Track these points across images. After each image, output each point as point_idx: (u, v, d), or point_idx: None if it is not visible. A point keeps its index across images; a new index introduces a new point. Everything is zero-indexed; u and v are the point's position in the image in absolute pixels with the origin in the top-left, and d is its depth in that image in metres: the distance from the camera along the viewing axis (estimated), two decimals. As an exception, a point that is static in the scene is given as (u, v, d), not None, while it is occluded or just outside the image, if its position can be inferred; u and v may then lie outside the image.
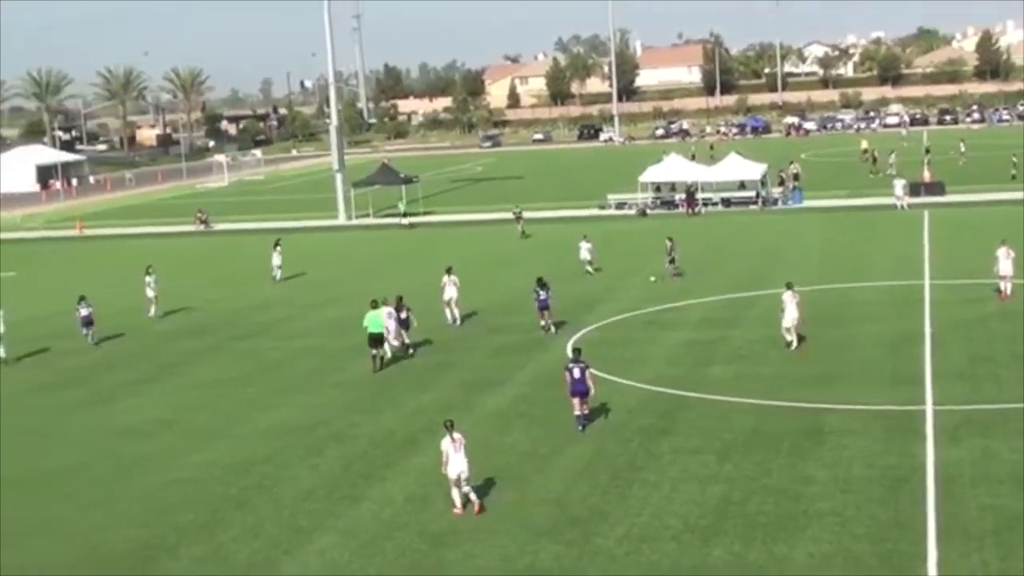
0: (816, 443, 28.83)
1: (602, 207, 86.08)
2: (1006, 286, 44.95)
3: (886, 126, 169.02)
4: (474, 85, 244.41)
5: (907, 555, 21.99)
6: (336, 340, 43.84)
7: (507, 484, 27.12)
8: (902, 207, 75.82)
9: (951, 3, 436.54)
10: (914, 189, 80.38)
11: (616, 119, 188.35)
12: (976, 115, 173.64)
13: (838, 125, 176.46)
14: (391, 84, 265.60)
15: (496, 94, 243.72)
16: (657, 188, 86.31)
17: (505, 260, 63.63)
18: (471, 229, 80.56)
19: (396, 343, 41.04)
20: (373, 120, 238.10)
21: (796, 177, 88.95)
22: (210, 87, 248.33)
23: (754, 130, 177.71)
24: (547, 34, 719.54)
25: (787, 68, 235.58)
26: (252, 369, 41.25)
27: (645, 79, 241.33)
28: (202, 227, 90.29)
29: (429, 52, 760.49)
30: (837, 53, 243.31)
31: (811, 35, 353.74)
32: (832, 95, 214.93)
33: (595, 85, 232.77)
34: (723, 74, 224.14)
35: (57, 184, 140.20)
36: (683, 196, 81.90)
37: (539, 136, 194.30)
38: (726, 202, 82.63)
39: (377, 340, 39.81)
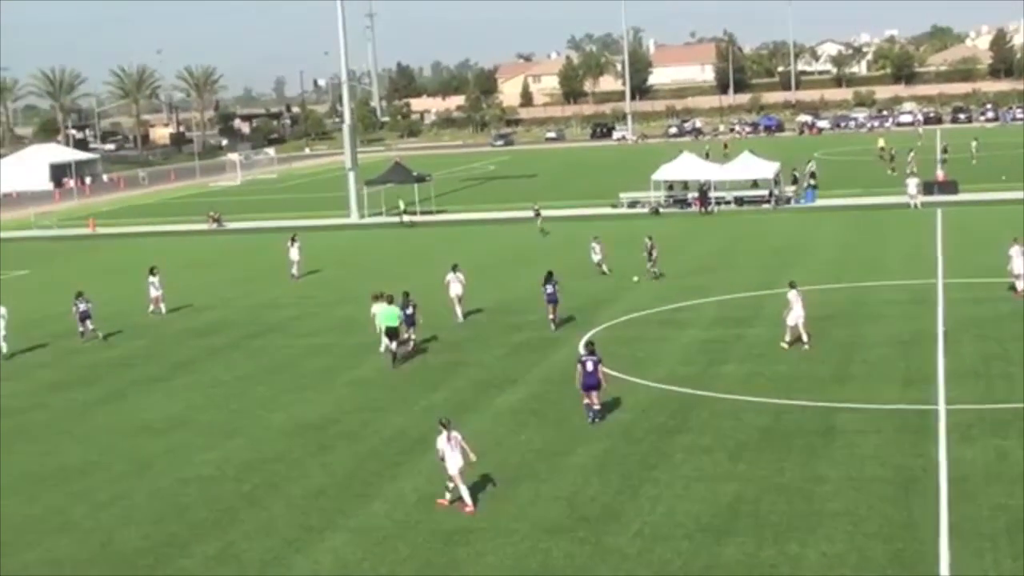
0: (829, 442, 28.80)
1: (615, 206, 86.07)
2: (1021, 285, 44.83)
3: (899, 125, 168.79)
4: (487, 84, 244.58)
5: (919, 555, 21.96)
6: (348, 338, 43.88)
7: (519, 482, 27.13)
8: (915, 206, 75.66)
9: (965, 1, 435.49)
10: (927, 188, 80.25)
11: (629, 118, 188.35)
12: (990, 113, 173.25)
13: (851, 124, 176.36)
14: (404, 83, 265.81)
15: (509, 92, 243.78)
16: (670, 187, 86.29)
17: (518, 258, 63.59)
18: (484, 228, 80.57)
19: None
20: (386, 119, 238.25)
21: (813, 175, 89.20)
22: (223, 86, 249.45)
23: (767, 129, 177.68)
24: (560, 32, 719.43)
25: (800, 67, 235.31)
26: (264, 367, 41.31)
27: (658, 78, 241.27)
28: (215, 226, 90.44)
29: (442, 51, 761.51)
30: (850, 51, 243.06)
31: (824, 33, 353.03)
32: (845, 94, 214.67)
33: (608, 83, 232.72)
34: (736, 73, 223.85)
35: (71, 183, 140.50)
36: (696, 195, 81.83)
37: (552, 135, 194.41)
38: (739, 201, 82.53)
39: (391, 334, 40.11)
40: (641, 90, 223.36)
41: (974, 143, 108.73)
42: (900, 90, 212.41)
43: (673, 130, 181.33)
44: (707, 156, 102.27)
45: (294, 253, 61.50)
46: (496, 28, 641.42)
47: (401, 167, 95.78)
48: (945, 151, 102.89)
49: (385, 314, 40.19)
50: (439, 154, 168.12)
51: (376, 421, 33.15)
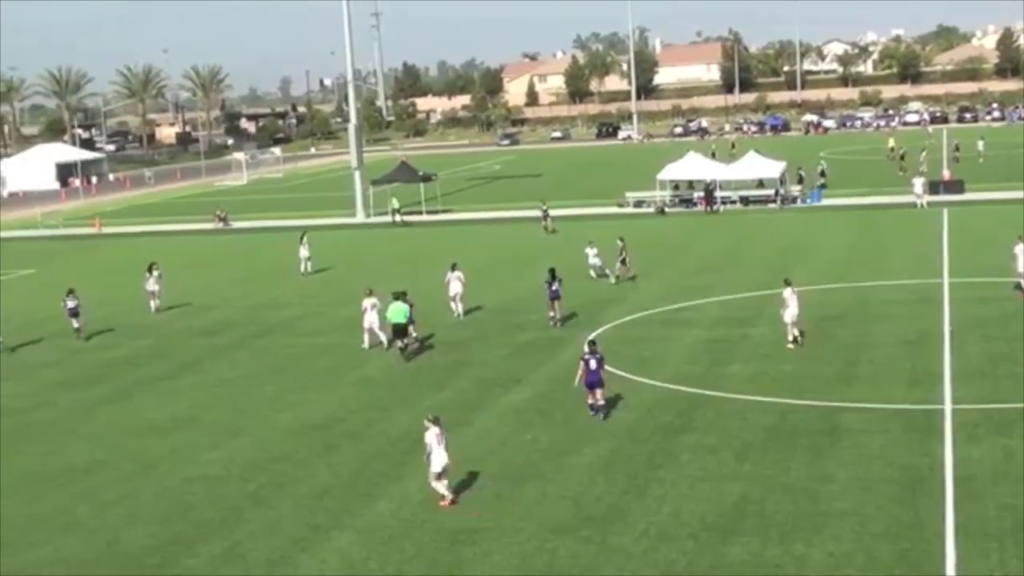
0: (834, 442, 28.79)
1: (620, 205, 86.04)
2: (1026, 284, 44.77)
3: (905, 124, 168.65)
4: (492, 83, 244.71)
5: (926, 554, 21.94)
6: (353, 338, 43.88)
7: (525, 482, 27.15)
8: (921, 205, 75.60)
9: (971, 1, 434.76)
10: (933, 187, 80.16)
11: (635, 117, 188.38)
12: (996, 113, 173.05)
13: (857, 123, 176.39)
14: (410, 82, 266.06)
15: (515, 92, 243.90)
16: (675, 186, 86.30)
17: (523, 258, 63.54)
18: (490, 227, 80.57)
19: (383, 336, 42.21)
20: (392, 118, 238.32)
21: (823, 174, 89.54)
22: (229, 85, 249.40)
23: (773, 128, 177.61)
24: (566, 32, 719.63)
25: (806, 66, 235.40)
26: (269, 367, 41.34)
27: (664, 77, 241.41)
28: (221, 225, 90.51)
29: (448, 50, 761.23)
30: (856, 51, 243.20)
31: (830, 33, 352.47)
32: (851, 93, 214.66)
33: (614, 83, 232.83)
34: (742, 72, 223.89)
35: (77, 182, 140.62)
36: (701, 194, 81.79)
37: (557, 134, 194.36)
38: (744, 200, 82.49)
39: (400, 331, 40.42)
40: (647, 89, 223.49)
41: (981, 142, 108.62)
42: (906, 90, 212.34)
43: (679, 130, 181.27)
44: (714, 156, 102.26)
45: (304, 251, 62.14)
46: (502, 28, 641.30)
47: (407, 166, 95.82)
48: (957, 149, 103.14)
49: (394, 311, 40.61)
50: (445, 153, 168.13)
51: (382, 421, 33.16)
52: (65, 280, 57.14)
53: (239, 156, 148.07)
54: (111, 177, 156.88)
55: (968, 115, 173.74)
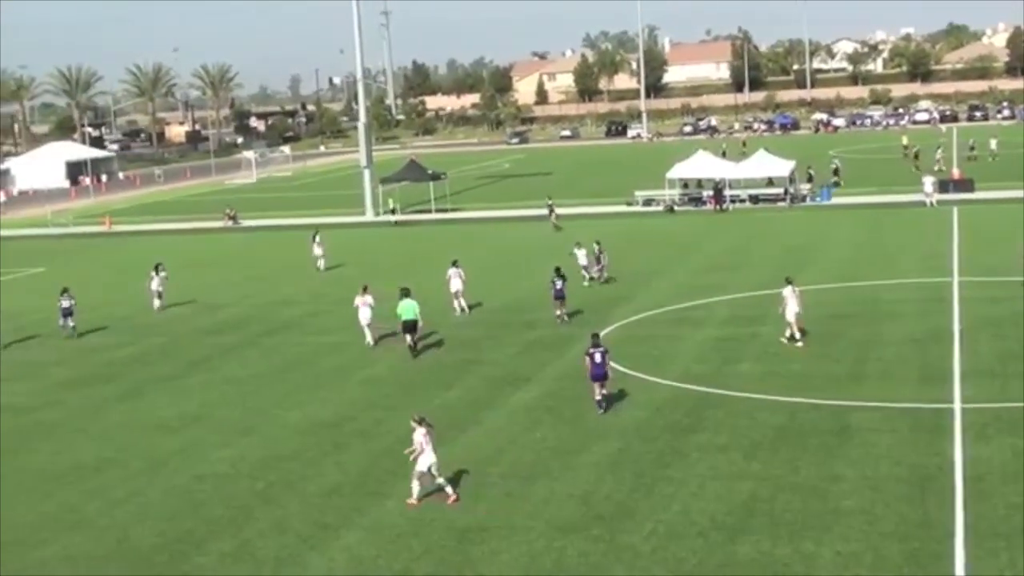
0: (844, 441, 28.75)
1: (630, 204, 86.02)
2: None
3: (915, 123, 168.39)
4: (502, 81, 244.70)
5: (935, 554, 21.91)
6: (362, 336, 43.90)
7: (534, 480, 27.15)
8: (931, 204, 75.48)
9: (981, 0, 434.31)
10: (943, 186, 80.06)
11: (644, 116, 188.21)
12: (1007, 111, 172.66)
13: (867, 122, 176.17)
14: (419, 81, 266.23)
15: (524, 90, 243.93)
16: (685, 185, 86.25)
17: (532, 256, 63.50)
18: (499, 225, 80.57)
19: (371, 336, 43.01)
20: (401, 117, 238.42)
21: (836, 172, 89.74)
22: (239, 84, 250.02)
23: (783, 127, 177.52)
24: (575, 30, 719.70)
25: (816, 64, 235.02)
26: (279, 365, 41.38)
27: (673, 75, 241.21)
28: (231, 223, 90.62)
29: (457, 49, 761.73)
30: (866, 49, 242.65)
31: (840, 31, 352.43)
32: (861, 91, 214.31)
33: (623, 81, 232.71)
34: (752, 71, 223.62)
35: (87, 180, 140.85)
36: (710, 193, 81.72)
37: (567, 133, 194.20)
38: (754, 199, 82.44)
39: (410, 327, 40.75)
40: (656, 88, 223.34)
41: (994, 141, 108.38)
42: (916, 88, 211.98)
43: (688, 128, 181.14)
44: (724, 155, 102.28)
45: (318, 249, 62.89)
46: (511, 26, 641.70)
47: (416, 165, 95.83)
48: (972, 148, 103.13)
49: (404, 307, 40.89)
50: (454, 152, 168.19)
51: (390, 419, 33.16)
52: (75, 278, 57.36)
53: (248, 155, 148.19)
54: (121, 175, 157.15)
55: (978, 114, 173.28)
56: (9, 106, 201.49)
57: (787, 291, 39.22)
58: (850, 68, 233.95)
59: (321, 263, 62.97)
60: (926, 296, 46.39)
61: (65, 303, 48.24)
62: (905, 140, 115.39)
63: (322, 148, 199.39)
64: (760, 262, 57.17)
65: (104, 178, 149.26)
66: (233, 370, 41.06)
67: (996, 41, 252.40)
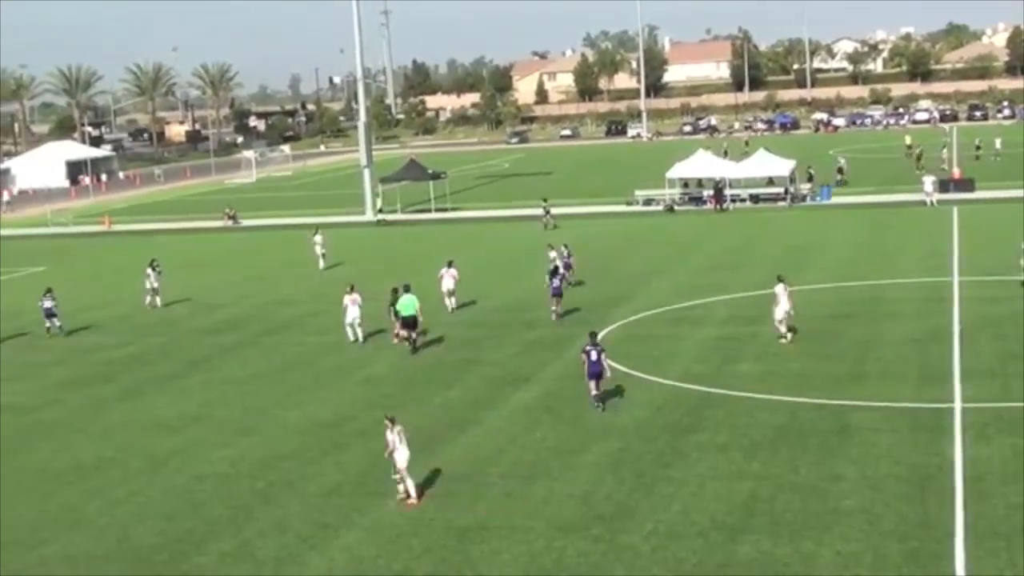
0: (844, 440, 28.76)
1: (630, 203, 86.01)
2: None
3: (915, 122, 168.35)
4: (502, 81, 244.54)
5: (934, 553, 21.92)
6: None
7: (534, 480, 27.16)
8: (931, 203, 75.48)
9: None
10: (943, 186, 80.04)
11: (644, 115, 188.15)
12: (1007, 111, 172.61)
13: (867, 121, 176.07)
14: (419, 80, 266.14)
15: (524, 90, 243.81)
16: (685, 184, 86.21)
17: (531, 256, 63.19)
18: (498, 225, 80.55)
19: (356, 332, 43.46)
20: (401, 116, 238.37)
21: (840, 171, 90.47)
22: (239, 83, 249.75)
23: (783, 126, 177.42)
24: (575, 30, 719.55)
25: (816, 64, 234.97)
26: (279, 365, 41.38)
27: (673, 75, 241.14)
28: (230, 223, 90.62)
29: (457, 48, 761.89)
30: (866, 49, 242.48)
31: (840, 31, 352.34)
32: (861, 91, 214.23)
33: (623, 81, 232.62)
34: (752, 70, 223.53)
35: (87, 180, 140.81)
36: (711, 192, 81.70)
37: (567, 132, 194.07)
38: (754, 198, 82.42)
39: (410, 323, 41.13)
40: (656, 88, 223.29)
41: (998, 140, 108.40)
42: (916, 88, 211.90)
43: (688, 128, 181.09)
44: (726, 154, 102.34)
45: (318, 247, 63.27)
46: (511, 25, 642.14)
47: (416, 164, 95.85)
48: (979, 147, 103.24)
49: (404, 304, 41.29)
50: (454, 151, 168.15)
51: (391, 418, 33.12)
52: (74, 278, 57.44)
53: (248, 154, 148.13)
54: (121, 175, 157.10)
55: (978, 113, 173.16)
56: (9, 105, 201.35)
57: (779, 289, 39.40)
58: (850, 68, 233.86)
59: (321, 262, 63.14)
60: (926, 296, 46.39)
61: (47, 303, 48.44)
62: (908, 140, 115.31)
63: (322, 148, 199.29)
64: (760, 262, 57.13)
65: (104, 178, 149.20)
66: (233, 370, 41.06)
67: (996, 41, 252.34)
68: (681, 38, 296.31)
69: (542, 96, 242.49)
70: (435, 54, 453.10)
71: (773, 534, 23.16)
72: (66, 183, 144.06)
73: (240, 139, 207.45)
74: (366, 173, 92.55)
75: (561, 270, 50.95)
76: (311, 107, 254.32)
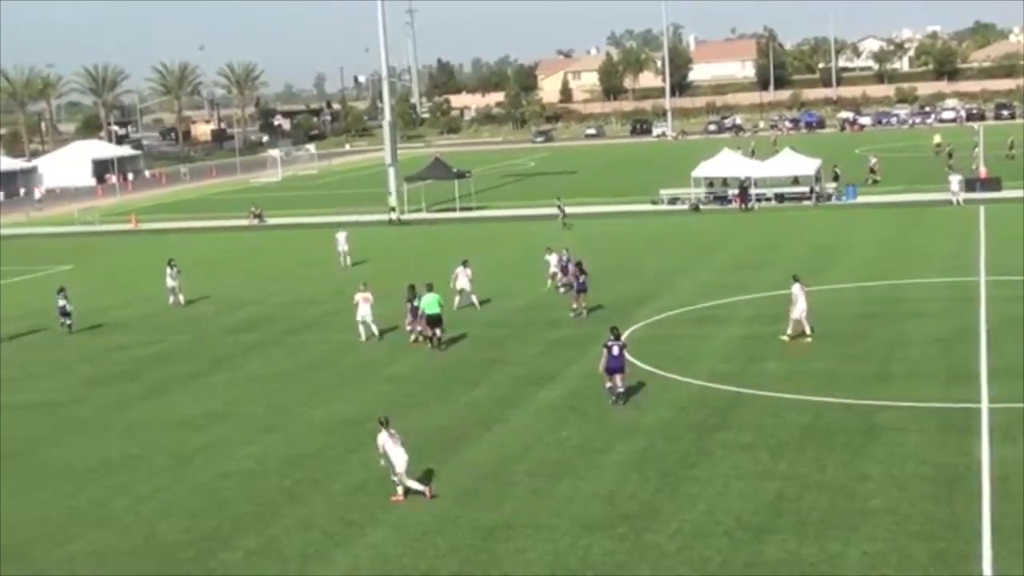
0: (870, 440, 28.64)
1: (655, 202, 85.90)
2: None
3: (942, 121, 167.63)
4: (526, 80, 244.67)
5: (961, 554, 21.80)
6: (386, 334, 43.95)
7: (559, 479, 27.12)
8: (957, 203, 75.15)
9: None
10: (969, 185, 79.66)
11: (669, 114, 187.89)
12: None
13: (893, 120, 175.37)
14: (444, 79, 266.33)
15: (548, 89, 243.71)
16: (710, 183, 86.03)
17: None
18: (523, 224, 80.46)
19: (374, 329, 43.81)
20: (426, 115, 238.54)
21: (872, 170, 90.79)
22: (264, 82, 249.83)
23: (808, 125, 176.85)
24: (600, 29, 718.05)
25: (842, 63, 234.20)
26: (303, 363, 41.46)
27: (698, 74, 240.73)
28: (256, 221, 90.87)
29: (482, 47, 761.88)
30: (892, 48, 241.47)
31: (866, 30, 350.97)
32: (887, 90, 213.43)
33: (648, 80, 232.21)
34: (777, 69, 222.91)
35: (113, 179, 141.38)
36: (736, 191, 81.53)
37: (591, 131, 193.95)
38: (779, 197, 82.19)
39: (434, 321, 41.39)
40: (681, 86, 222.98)
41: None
42: (942, 86, 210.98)
43: (713, 127, 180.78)
44: (753, 153, 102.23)
45: (343, 245, 63.95)
46: (536, 24, 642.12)
47: (441, 163, 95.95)
48: (1012, 147, 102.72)
49: (428, 302, 41.54)
50: (479, 150, 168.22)
51: (416, 417, 33.15)
52: (101, 276, 57.66)
53: (274, 153, 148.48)
54: (147, 174, 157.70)
55: (1005, 112, 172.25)
56: (36, 105, 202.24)
57: (796, 289, 39.34)
58: (876, 66, 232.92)
59: (347, 260, 63.64)
60: (952, 295, 46.18)
61: (61, 303, 48.85)
62: (938, 139, 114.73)
63: (347, 146, 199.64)
64: (785, 261, 56.87)
65: (130, 176, 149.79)
66: (257, 368, 41.16)
67: (1023, 39, 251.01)
68: (706, 37, 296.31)
69: (567, 95, 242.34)
70: (460, 53, 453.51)
71: (799, 534, 23.08)
72: (92, 182, 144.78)
73: (265, 138, 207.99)
74: (391, 172, 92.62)
75: (558, 273, 51.06)
76: (336, 106, 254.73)
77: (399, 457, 26.09)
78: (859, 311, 43.79)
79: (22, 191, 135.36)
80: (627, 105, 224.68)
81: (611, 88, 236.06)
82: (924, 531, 22.86)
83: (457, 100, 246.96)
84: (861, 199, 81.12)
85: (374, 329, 43.75)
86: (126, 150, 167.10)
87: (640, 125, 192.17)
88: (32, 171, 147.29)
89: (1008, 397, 31.43)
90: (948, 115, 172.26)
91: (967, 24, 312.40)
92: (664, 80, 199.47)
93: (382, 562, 23.13)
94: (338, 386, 37.72)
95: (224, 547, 24.30)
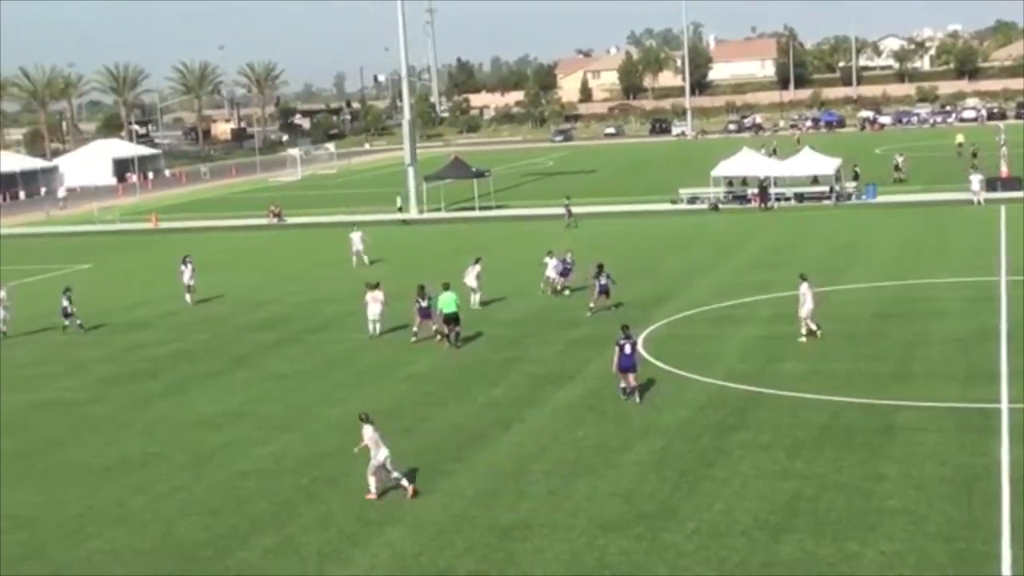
0: (888, 440, 28.55)
1: (674, 202, 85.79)
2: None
3: (963, 120, 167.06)
4: (546, 79, 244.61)
5: (980, 554, 21.72)
6: (405, 333, 44.00)
7: (576, 478, 27.10)
8: (978, 202, 74.88)
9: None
10: (990, 184, 79.37)
11: (688, 113, 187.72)
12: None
13: (914, 119, 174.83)
14: (463, 78, 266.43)
15: (568, 88, 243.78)
16: (729, 183, 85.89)
17: (575, 254, 63.32)
18: (542, 223, 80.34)
19: (378, 328, 44.30)
20: (445, 114, 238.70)
21: (897, 168, 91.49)
22: (284, 81, 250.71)
23: (828, 124, 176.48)
24: (620, 28, 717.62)
25: (862, 62, 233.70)
26: (322, 362, 41.51)
27: (718, 73, 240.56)
28: (275, 220, 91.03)
29: (501, 46, 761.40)
30: (913, 47, 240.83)
31: (886, 28, 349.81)
32: (908, 89, 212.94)
33: (667, 79, 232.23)
34: (797, 68, 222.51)
35: (133, 178, 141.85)
36: (755, 191, 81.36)
37: (611, 130, 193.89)
38: (799, 197, 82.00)
39: (451, 319, 41.71)
40: (701, 86, 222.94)
41: None
42: (963, 85, 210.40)
43: (732, 126, 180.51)
44: (775, 152, 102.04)
45: (359, 244, 64.19)
46: (555, 23, 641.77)
47: (460, 163, 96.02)
48: None
49: (445, 300, 41.83)
50: (498, 150, 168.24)
51: (434, 416, 33.20)
52: (121, 275, 57.80)
53: (293, 152, 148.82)
54: (167, 173, 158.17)
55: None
56: (57, 104, 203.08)
57: (803, 288, 39.29)
58: (896, 66, 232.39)
59: (365, 259, 63.72)
60: (973, 295, 46.00)
61: (63, 303, 49.11)
62: (960, 138, 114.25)
63: (367, 145, 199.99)
64: (805, 261, 56.62)
65: (151, 175, 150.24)
66: (275, 367, 41.22)
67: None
68: (726, 36, 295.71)
69: (586, 94, 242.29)
70: (479, 52, 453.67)
71: (816, 534, 23.02)
72: (113, 180, 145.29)
73: (285, 137, 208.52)
74: (410, 171, 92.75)
75: (554, 277, 50.86)
76: (356, 105, 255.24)
77: (380, 452, 26.33)
78: (878, 311, 43.66)
79: (43, 190, 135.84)
80: (647, 104, 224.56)
81: (631, 87, 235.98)
82: (942, 532, 22.78)
83: (477, 99, 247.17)
84: (881, 199, 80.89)
85: (376, 328, 44.23)
86: (146, 149, 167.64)
87: (659, 124, 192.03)
88: (53, 170, 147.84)
89: (1028, 397, 31.30)
90: (969, 114, 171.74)
91: (988, 23, 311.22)
92: (684, 79, 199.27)
93: (399, 561, 23.15)
94: (356, 385, 37.76)
95: (242, 546, 24.35)
